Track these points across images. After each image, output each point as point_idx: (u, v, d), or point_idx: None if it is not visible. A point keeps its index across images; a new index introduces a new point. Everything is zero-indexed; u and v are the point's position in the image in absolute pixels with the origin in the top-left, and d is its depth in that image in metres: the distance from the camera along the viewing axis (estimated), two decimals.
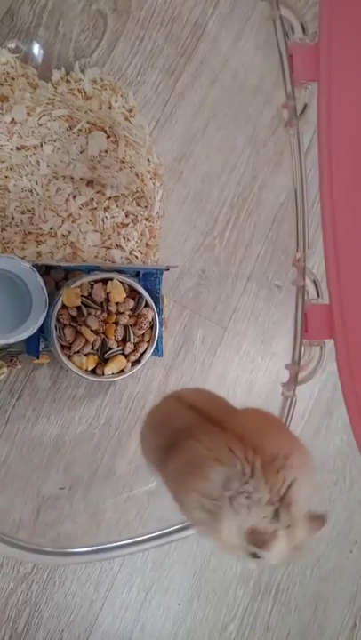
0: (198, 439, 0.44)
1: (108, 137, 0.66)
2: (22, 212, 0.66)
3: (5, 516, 0.65)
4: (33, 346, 0.66)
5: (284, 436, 0.49)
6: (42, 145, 0.64)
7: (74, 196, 0.68)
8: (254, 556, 0.42)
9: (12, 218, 0.65)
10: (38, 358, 0.66)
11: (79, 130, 0.65)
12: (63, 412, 0.71)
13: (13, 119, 0.63)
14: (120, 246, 0.71)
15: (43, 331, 0.66)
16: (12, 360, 0.68)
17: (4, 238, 0.65)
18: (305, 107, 0.51)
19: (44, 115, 0.64)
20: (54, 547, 0.50)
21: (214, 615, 0.81)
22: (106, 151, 0.66)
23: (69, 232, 0.68)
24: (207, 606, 0.80)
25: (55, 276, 0.68)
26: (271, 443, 0.44)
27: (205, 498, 0.42)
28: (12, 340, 0.58)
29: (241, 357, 0.83)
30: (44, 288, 0.59)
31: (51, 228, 0.67)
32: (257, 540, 0.40)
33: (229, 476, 0.41)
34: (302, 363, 0.54)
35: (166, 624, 0.77)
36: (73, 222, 0.68)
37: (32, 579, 0.69)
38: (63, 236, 0.68)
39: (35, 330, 0.58)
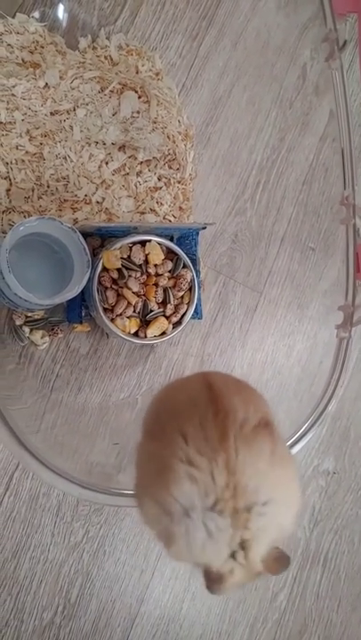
0: (187, 440, 0.39)
1: (140, 97, 0.66)
2: (57, 180, 0.65)
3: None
4: (75, 312, 0.66)
5: (280, 472, 0.41)
6: (75, 109, 0.64)
7: (106, 162, 0.68)
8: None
9: (48, 186, 0.65)
10: (82, 323, 0.66)
11: (111, 91, 0.65)
12: (105, 380, 0.71)
13: (47, 84, 0.63)
14: (154, 210, 0.70)
15: (84, 299, 0.66)
16: (53, 329, 0.68)
17: (40, 206, 0.65)
18: (345, 42, 0.50)
19: (75, 78, 0.63)
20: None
21: (264, 584, 0.80)
22: (138, 112, 0.66)
23: (103, 198, 0.68)
24: None
25: (92, 243, 0.68)
26: (259, 482, 0.38)
27: (163, 509, 0.38)
28: (57, 301, 0.57)
29: (278, 322, 0.82)
30: (86, 248, 0.59)
31: (85, 195, 0.67)
32: (209, 578, 0.37)
33: (196, 503, 0.37)
34: (357, 302, 0.53)
35: None
36: (107, 189, 0.68)
37: (83, 548, 0.69)
38: (98, 202, 0.68)
39: (79, 290, 0.58)
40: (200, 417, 0.40)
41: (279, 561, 0.38)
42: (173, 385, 0.52)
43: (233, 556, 0.38)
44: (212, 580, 0.37)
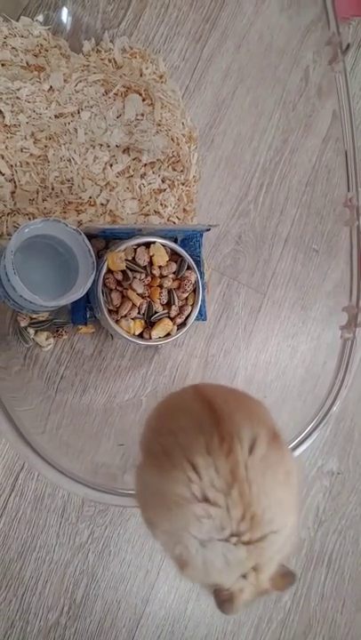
0: (199, 473, 0.39)
1: (144, 100, 0.66)
2: (62, 182, 0.66)
3: None
4: (79, 314, 0.66)
5: (289, 496, 0.42)
6: (79, 112, 0.64)
7: (111, 165, 0.68)
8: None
9: (52, 188, 0.66)
10: (86, 325, 0.66)
11: (115, 94, 0.65)
12: (110, 381, 0.71)
13: (51, 87, 0.63)
14: (158, 212, 0.71)
15: (88, 300, 0.67)
16: (57, 331, 0.68)
17: (45, 208, 0.65)
18: (348, 46, 0.51)
19: (80, 81, 0.64)
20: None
21: None
22: (142, 114, 0.66)
23: (108, 200, 0.68)
24: None
25: (97, 245, 0.68)
26: (275, 504, 0.39)
27: (177, 540, 0.39)
28: (62, 302, 0.58)
29: (282, 323, 0.82)
30: (91, 250, 0.59)
31: (90, 197, 0.67)
32: (220, 599, 0.39)
33: (213, 535, 0.38)
34: None
35: None
36: (111, 190, 0.68)
37: (88, 548, 0.69)
38: (102, 204, 0.68)
39: (84, 291, 0.58)
40: (207, 445, 0.40)
41: (286, 578, 0.40)
42: (168, 404, 0.50)
43: (244, 576, 0.39)
44: (223, 600, 0.39)
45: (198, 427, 0.41)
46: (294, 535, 0.42)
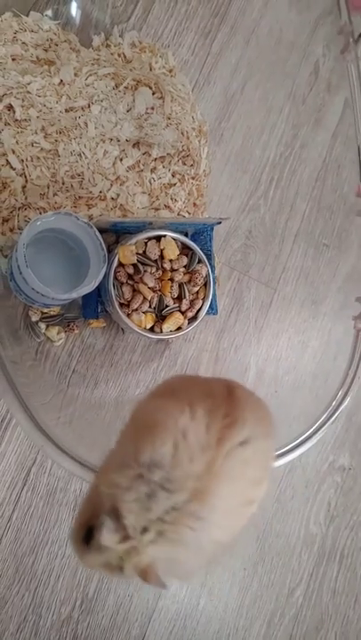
0: (190, 414, 0.38)
1: (154, 93, 0.66)
2: (72, 177, 0.66)
3: None
4: (91, 308, 0.66)
5: (242, 514, 0.40)
6: (89, 105, 0.65)
7: (121, 159, 0.68)
8: (86, 532, 0.37)
9: (63, 182, 0.66)
10: (98, 318, 0.66)
11: (125, 87, 0.65)
12: (121, 376, 0.71)
13: (62, 80, 0.63)
14: (168, 207, 0.71)
15: (99, 294, 0.67)
16: (69, 325, 0.68)
17: (56, 203, 0.65)
18: (360, 35, 0.51)
19: (90, 74, 0.64)
20: None
21: (280, 580, 0.79)
22: (152, 108, 0.66)
23: (118, 195, 0.68)
24: (272, 571, 0.79)
25: (107, 240, 0.68)
26: (220, 510, 0.37)
27: (135, 446, 0.37)
28: (74, 295, 0.58)
29: (292, 318, 0.82)
30: (103, 243, 0.59)
31: (100, 192, 0.67)
32: (112, 522, 0.36)
33: (165, 465, 0.37)
34: None
35: (233, 589, 0.76)
36: (121, 185, 0.69)
37: None
38: (112, 199, 0.68)
39: (96, 284, 0.58)
40: (211, 406, 0.40)
41: (154, 579, 0.37)
42: (198, 376, 0.51)
43: (143, 531, 0.36)
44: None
45: (212, 394, 0.41)
46: (200, 562, 0.39)
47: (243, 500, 0.40)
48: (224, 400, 0.41)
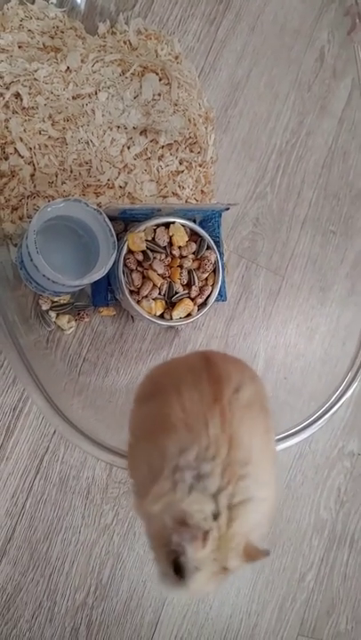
0: (180, 393, 0.40)
1: (161, 79, 0.66)
2: (80, 165, 0.66)
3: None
4: (101, 295, 0.67)
5: (271, 450, 0.42)
6: (97, 93, 0.65)
7: (128, 147, 0.68)
8: (174, 565, 0.35)
9: (71, 171, 0.66)
10: (108, 306, 0.67)
11: (132, 74, 0.65)
12: (131, 363, 0.72)
13: (68, 67, 0.63)
14: (176, 194, 0.71)
15: (109, 282, 0.67)
16: (79, 314, 0.68)
17: (64, 191, 0.65)
18: None
19: (97, 61, 0.64)
20: None
21: (292, 565, 0.80)
22: (159, 94, 0.66)
23: (126, 183, 0.68)
24: (284, 556, 0.80)
25: (115, 228, 0.68)
26: (253, 449, 0.38)
27: (154, 456, 0.38)
28: (85, 282, 0.58)
29: (301, 305, 0.82)
30: (112, 229, 0.59)
31: (108, 180, 0.67)
32: (184, 532, 0.35)
33: (189, 445, 0.37)
34: None
35: (245, 573, 0.77)
36: (129, 173, 0.69)
37: (113, 529, 0.70)
38: (120, 187, 0.68)
39: (106, 270, 0.58)
40: (194, 377, 0.41)
41: (255, 551, 0.36)
42: (172, 359, 0.53)
43: (215, 516, 0.36)
44: (190, 532, 0.35)
45: (192, 369, 0.43)
46: (271, 511, 0.39)
47: (262, 430, 0.41)
48: (204, 367, 0.43)
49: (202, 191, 0.73)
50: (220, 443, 0.37)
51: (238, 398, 0.40)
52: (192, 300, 0.67)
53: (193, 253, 0.67)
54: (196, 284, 0.67)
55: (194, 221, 0.69)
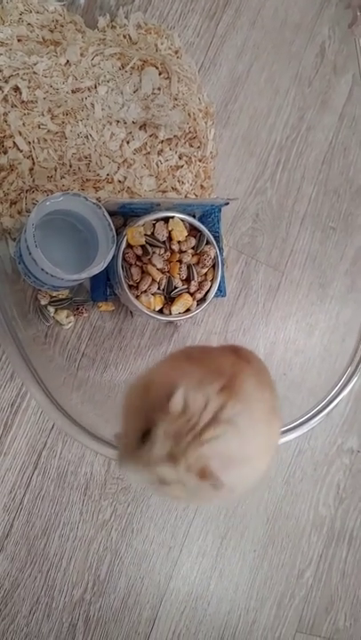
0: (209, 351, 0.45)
1: (160, 73, 0.66)
2: (79, 159, 0.66)
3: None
4: (100, 290, 0.66)
5: (270, 432, 0.46)
6: (96, 86, 0.64)
7: (127, 141, 0.68)
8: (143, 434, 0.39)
9: (70, 165, 0.65)
10: (107, 300, 0.66)
11: (132, 68, 0.65)
12: (130, 359, 0.71)
13: (68, 61, 0.63)
14: (176, 189, 0.70)
15: (108, 277, 0.67)
16: (77, 309, 0.68)
17: (63, 185, 0.65)
18: None
19: (96, 55, 0.64)
20: None
21: (290, 561, 0.80)
22: (159, 88, 0.66)
23: (125, 177, 0.68)
24: (282, 553, 0.80)
25: (115, 223, 0.68)
26: (253, 406, 0.42)
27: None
28: (84, 276, 0.58)
29: (300, 301, 0.82)
30: (111, 223, 0.59)
31: (107, 174, 0.67)
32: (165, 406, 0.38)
33: (197, 371, 0.42)
34: None
35: (244, 570, 0.77)
36: (128, 167, 0.68)
37: (111, 525, 0.70)
38: (119, 181, 0.68)
39: (105, 264, 0.58)
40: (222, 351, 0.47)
41: (211, 476, 0.38)
42: (207, 346, 0.56)
43: (204, 408, 0.39)
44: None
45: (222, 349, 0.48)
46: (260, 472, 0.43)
47: (267, 408, 0.45)
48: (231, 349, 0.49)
49: (201, 186, 0.73)
50: (226, 380, 0.41)
51: (253, 373, 0.45)
52: (191, 295, 0.66)
53: (192, 248, 0.67)
54: (196, 279, 0.66)
55: (193, 216, 0.69)
